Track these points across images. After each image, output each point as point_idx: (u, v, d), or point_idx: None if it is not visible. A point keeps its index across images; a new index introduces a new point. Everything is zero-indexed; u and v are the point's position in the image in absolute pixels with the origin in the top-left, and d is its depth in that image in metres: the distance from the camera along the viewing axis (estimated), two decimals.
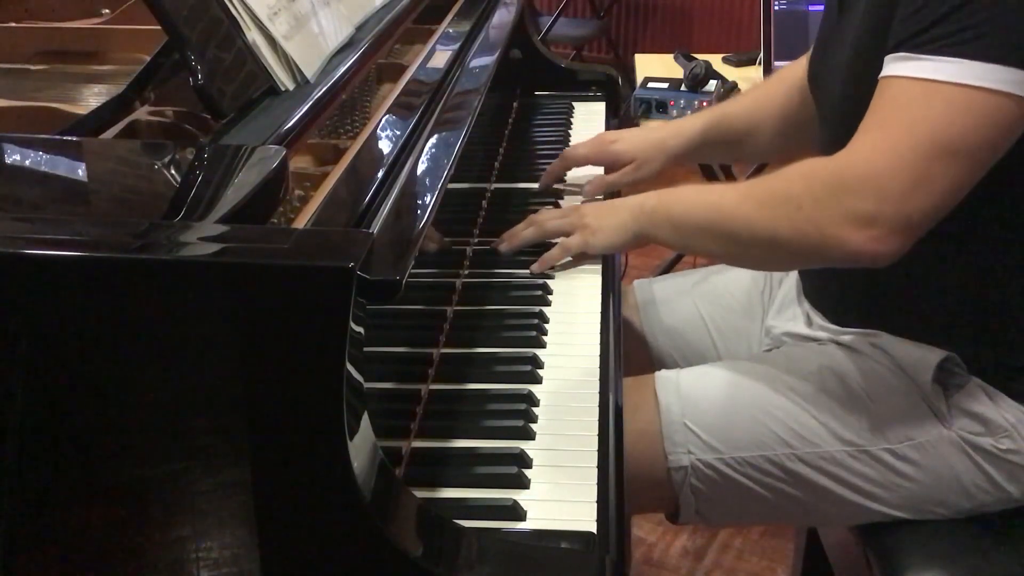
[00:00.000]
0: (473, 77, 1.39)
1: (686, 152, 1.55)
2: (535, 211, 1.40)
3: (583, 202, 1.50)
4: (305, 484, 0.79)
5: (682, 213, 1.24)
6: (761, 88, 1.65)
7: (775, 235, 1.12)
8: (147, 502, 0.80)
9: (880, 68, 1.10)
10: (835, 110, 1.26)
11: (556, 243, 1.35)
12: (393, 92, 1.22)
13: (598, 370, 1.15)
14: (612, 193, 1.54)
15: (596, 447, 1.02)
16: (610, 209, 1.33)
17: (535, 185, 1.58)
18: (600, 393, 1.11)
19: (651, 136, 1.58)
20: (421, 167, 1.08)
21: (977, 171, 1.06)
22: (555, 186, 1.57)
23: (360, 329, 0.78)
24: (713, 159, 1.61)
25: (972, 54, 1.02)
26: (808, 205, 1.09)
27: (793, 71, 1.55)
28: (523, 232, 1.35)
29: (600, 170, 1.58)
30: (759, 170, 2.60)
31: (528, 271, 1.33)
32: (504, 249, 1.36)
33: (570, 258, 1.35)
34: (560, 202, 1.53)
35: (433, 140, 1.15)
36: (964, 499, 1.21)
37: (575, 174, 1.59)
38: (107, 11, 1.46)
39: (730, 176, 2.69)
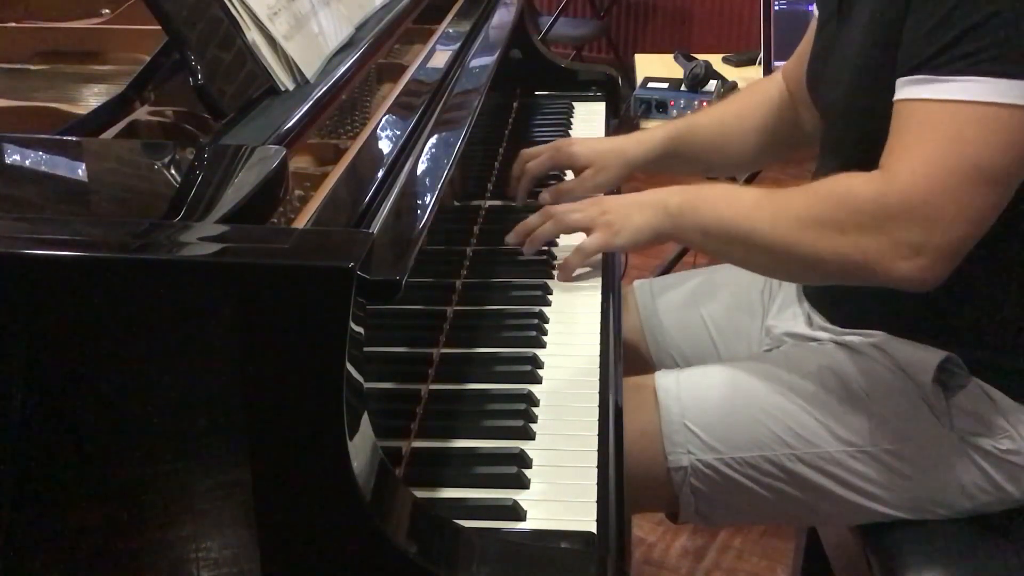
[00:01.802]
0: (473, 77, 1.39)
1: (646, 162, 1.52)
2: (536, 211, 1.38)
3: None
4: (305, 484, 0.79)
5: (713, 220, 1.21)
6: (731, 103, 1.63)
7: (815, 257, 1.11)
8: (147, 502, 0.79)
9: (889, 81, 1.09)
10: (839, 117, 1.26)
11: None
12: (393, 92, 1.22)
13: (598, 370, 1.15)
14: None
15: (596, 447, 1.02)
16: (634, 206, 1.28)
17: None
18: (600, 393, 1.11)
19: (610, 143, 1.57)
20: (421, 167, 1.08)
21: (1011, 190, 1.07)
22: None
23: (360, 329, 0.78)
24: (679, 171, 1.59)
25: (996, 72, 1.02)
26: (852, 231, 1.08)
27: (766, 87, 1.55)
28: (543, 228, 1.32)
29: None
30: (751, 179, 2.59)
31: (527, 272, 1.33)
32: (526, 250, 1.33)
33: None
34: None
35: (433, 140, 1.15)
36: (964, 499, 1.21)
37: None
38: (107, 11, 1.46)
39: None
